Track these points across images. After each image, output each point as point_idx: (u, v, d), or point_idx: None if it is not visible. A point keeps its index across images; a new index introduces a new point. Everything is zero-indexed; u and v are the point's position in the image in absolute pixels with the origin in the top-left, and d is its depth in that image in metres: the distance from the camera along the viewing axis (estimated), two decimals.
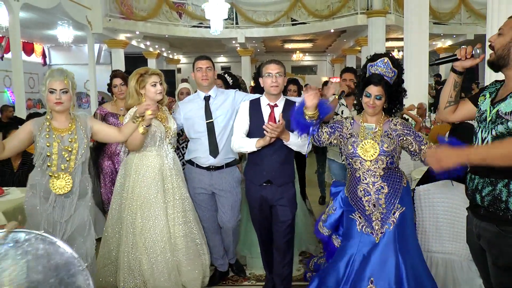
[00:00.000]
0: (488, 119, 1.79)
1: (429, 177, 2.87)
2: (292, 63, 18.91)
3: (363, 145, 2.37)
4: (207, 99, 3.07)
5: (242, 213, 3.42)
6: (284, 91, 3.42)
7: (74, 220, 2.51)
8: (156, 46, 14.97)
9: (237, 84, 3.98)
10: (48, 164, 2.46)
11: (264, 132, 2.54)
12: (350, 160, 2.43)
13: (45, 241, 1.50)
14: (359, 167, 2.39)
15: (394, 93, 2.43)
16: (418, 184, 2.93)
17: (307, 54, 19.38)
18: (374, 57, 2.43)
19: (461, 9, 13.25)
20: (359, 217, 2.42)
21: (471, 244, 1.97)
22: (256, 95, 3.02)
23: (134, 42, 13.26)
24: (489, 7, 5.10)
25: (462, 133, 2.83)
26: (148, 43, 14.15)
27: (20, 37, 8.13)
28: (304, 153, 2.72)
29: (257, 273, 3.42)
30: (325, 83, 8.01)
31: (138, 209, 2.81)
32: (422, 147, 2.36)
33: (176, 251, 2.88)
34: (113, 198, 2.94)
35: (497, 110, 1.75)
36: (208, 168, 3.06)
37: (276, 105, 2.79)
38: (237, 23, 13.04)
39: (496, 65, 1.82)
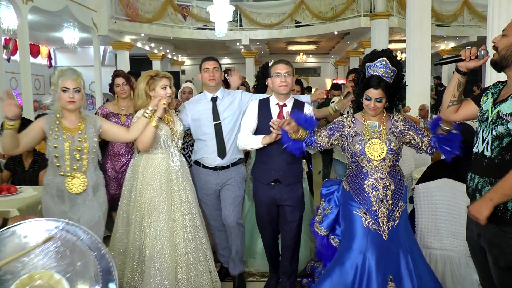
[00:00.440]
0: (489, 120, 1.82)
1: (429, 176, 2.94)
2: (295, 64, 18.80)
3: (370, 144, 2.37)
4: (214, 100, 3.06)
5: (244, 220, 3.37)
6: None
7: (84, 216, 2.55)
8: (161, 48, 14.99)
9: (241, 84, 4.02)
10: (58, 164, 2.50)
11: (271, 128, 2.57)
12: (356, 158, 2.41)
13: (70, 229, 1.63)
14: (366, 164, 2.39)
15: (394, 90, 2.44)
16: (418, 182, 2.95)
17: (310, 56, 19.38)
18: (373, 57, 2.42)
19: (464, 11, 13.23)
20: (364, 213, 2.37)
21: (470, 242, 1.99)
22: (263, 95, 3.04)
23: (139, 44, 13.28)
24: (490, 10, 5.14)
25: (461, 133, 2.88)
26: (153, 45, 14.20)
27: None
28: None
29: (261, 270, 3.45)
30: (333, 85, 8.07)
31: (146, 212, 2.76)
32: (424, 138, 2.41)
33: (186, 253, 2.81)
34: (121, 201, 2.90)
35: (498, 111, 1.78)
36: (214, 168, 3.05)
37: (285, 105, 2.81)
38: (241, 25, 13.08)
39: (499, 65, 1.84)
